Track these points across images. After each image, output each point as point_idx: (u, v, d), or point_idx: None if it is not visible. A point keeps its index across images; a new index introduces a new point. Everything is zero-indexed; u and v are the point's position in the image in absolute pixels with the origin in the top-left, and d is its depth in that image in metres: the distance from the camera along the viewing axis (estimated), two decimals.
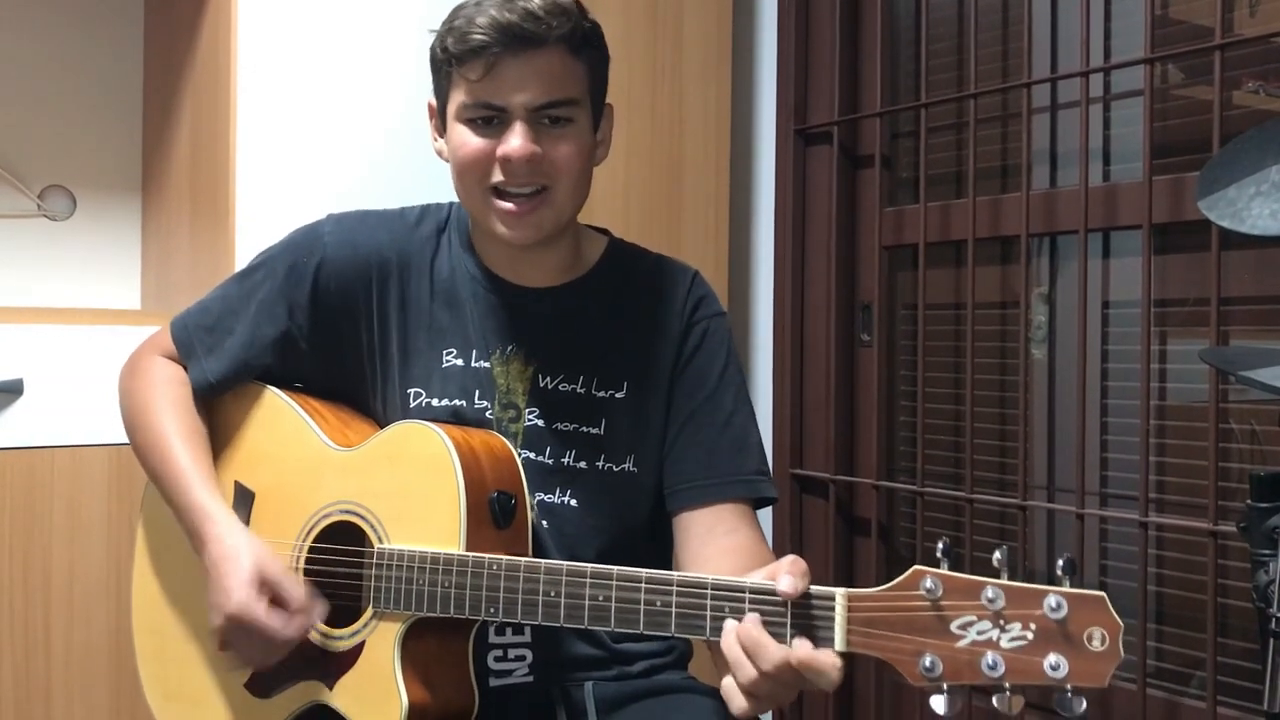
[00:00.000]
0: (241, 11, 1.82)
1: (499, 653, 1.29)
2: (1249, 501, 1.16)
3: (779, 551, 2.20)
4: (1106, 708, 1.83)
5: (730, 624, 1.03)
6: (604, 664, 1.34)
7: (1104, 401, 1.88)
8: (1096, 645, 0.89)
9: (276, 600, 1.21)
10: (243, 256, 1.79)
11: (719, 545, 1.29)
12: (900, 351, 2.23)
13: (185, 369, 1.38)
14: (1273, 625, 1.06)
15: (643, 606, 1.08)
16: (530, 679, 1.30)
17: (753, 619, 1.01)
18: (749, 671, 1.00)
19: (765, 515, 2.30)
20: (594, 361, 1.33)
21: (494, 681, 1.29)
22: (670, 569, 1.41)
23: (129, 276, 2.25)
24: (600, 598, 1.11)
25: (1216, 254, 1.63)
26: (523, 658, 1.30)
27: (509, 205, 1.26)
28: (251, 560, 1.21)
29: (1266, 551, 1.14)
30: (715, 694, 1.35)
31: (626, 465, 1.32)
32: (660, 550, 1.41)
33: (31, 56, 2.15)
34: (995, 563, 0.95)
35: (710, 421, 1.33)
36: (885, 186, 2.19)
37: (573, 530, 1.31)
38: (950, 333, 2.11)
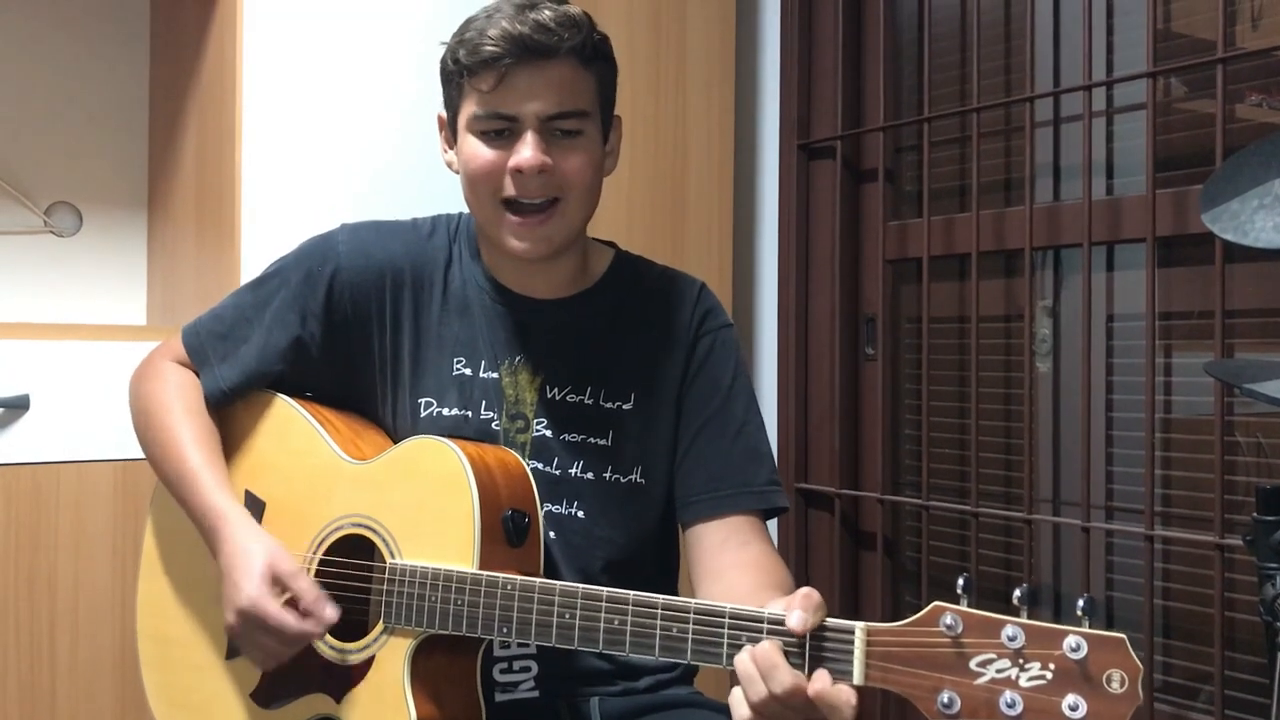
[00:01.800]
0: (247, 28, 1.83)
1: (504, 665, 1.29)
2: (1255, 515, 1.16)
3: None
4: None
5: (748, 647, 1.03)
6: (610, 678, 1.33)
7: (1109, 414, 1.88)
8: (1116, 687, 0.89)
9: (289, 599, 1.21)
10: (248, 272, 1.80)
11: (732, 558, 1.29)
12: (905, 365, 2.23)
13: (198, 375, 1.39)
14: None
15: (659, 633, 1.08)
16: (536, 694, 1.30)
17: (773, 642, 1.01)
18: (759, 689, 1.00)
19: (770, 530, 2.29)
20: (601, 373, 1.33)
21: (500, 696, 1.28)
22: (677, 581, 1.42)
23: (135, 292, 2.25)
24: (615, 622, 1.10)
25: (1220, 267, 1.63)
26: (528, 669, 1.29)
27: (519, 218, 1.26)
28: (265, 557, 1.21)
29: (1273, 565, 1.13)
30: (722, 709, 1.35)
31: (634, 476, 1.33)
32: (667, 562, 1.41)
33: (38, 73, 2.16)
34: (1015, 600, 0.95)
35: (721, 433, 1.34)
36: (889, 200, 2.19)
37: (580, 541, 1.31)
38: (954, 346, 2.11)
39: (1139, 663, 0.90)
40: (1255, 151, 1.21)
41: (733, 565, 1.28)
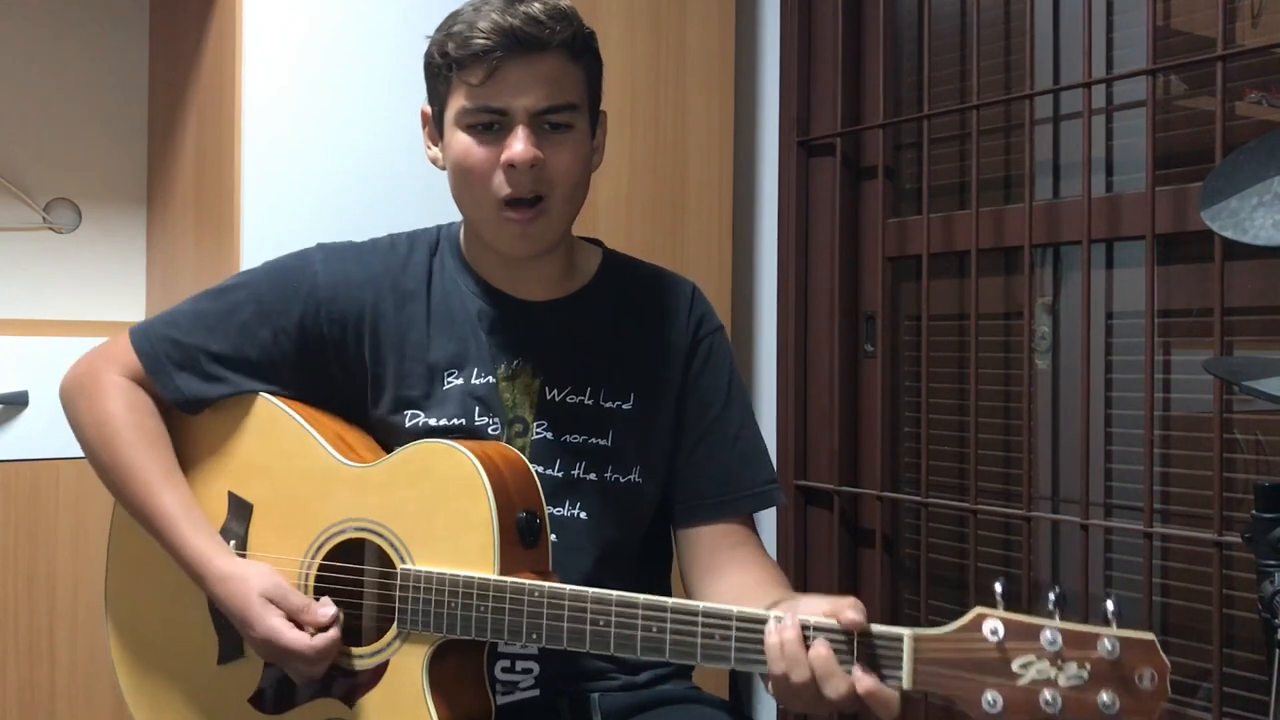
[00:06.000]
0: (246, 25, 1.83)
1: (506, 663, 1.29)
2: (1254, 512, 1.16)
3: (783, 563, 2.20)
4: None
5: (804, 652, 1.04)
6: (611, 673, 1.33)
7: (1108, 412, 1.88)
8: (1146, 684, 0.95)
9: (292, 618, 1.21)
10: (247, 267, 1.80)
11: (728, 557, 1.30)
12: (904, 362, 2.23)
13: (151, 383, 1.32)
14: (1278, 636, 1.06)
15: (699, 640, 1.09)
16: (536, 693, 1.30)
17: (828, 646, 1.03)
18: (813, 690, 1.02)
19: (769, 528, 2.30)
20: (601, 372, 1.33)
21: (502, 697, 1.28)
22: (664, 579, 1.42)
23: (134, 289, 2.25)
24: (654, 629, 1.10)
25: (1220, 264, 1.63)
26: (529, 670, 1.29)
27: (514, 215, 1.25)
28: (256, 591, 1.21)
29: (1272, 562, 1.14)
30: (721, 704, 1.36)
31: (633, 477, 1.32)
32: (662, 560, 1.42)
33: (37, 70, 2.16)
34: (1050, 604, 1.00)
35: (721, 440, 1.34)
36: (888, 198, 2.19)
37: (582, 543, 1.30)
38: (954, 343, 2.11)
39: (1167, 661, 0.96)
40: (1254, 149, 1.21)
41: (729, 564, 1.29)
